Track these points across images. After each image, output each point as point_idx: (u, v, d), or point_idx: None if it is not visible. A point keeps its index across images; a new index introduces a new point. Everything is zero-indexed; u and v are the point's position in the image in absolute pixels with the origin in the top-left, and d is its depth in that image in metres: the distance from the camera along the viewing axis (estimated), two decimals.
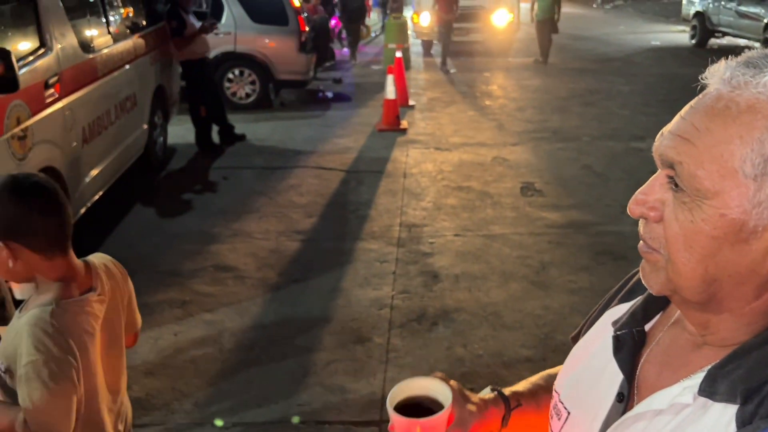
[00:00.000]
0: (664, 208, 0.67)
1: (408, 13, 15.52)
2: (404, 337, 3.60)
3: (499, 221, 5.15)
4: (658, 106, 8.93)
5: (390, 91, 7.85)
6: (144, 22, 6.05)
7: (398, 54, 9.38)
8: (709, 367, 0.66)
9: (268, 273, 4.33)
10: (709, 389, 0.65)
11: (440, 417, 0.88)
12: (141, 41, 5.75)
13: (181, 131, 7.22)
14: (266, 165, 6.50)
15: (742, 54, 0.66)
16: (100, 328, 1.51)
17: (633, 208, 0.69)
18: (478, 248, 4.67)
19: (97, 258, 1.64)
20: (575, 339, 0.95)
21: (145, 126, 5.82)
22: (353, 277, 4.27)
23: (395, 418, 0.90)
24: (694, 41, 14.71)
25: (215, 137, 7.12)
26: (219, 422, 3.03)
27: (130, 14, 5.87)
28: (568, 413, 0.82)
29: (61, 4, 4.35)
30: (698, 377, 0.66)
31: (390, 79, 7.89)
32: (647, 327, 0.79)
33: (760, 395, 0.61)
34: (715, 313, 0.68)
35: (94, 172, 4.67)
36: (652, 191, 0.68)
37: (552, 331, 3.63)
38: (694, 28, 14.81)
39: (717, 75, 0.65)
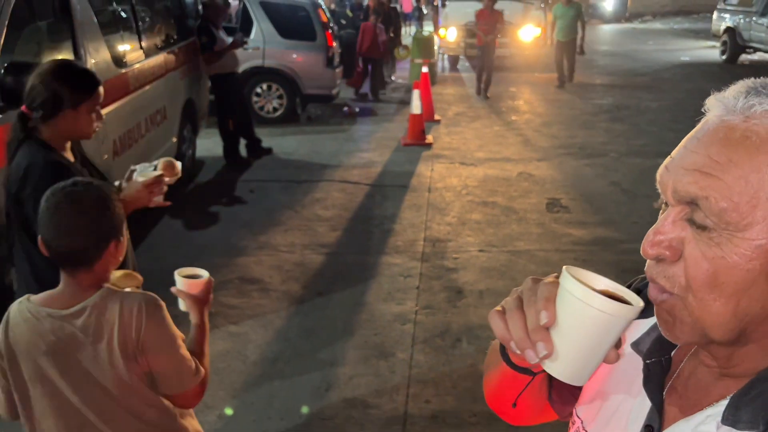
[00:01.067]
0: (683, 247, 0.64)
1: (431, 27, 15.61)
2: (427, 353, 3.58)
3: (524, 237, 5.12)
4: (687, 122, 8.74)
5: (416, 106, 7.88)
6: (175, 38, 6.17)
7: (424, 69, 9.43)
8: (732, 395, 0.65)
9: (293, 286, 4.35)
10: (732, 417, 0.64)
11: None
12: (172, 56, 5.86)
13: (209, 144, 7.33)
14: (292, 178, 6.56)
15: (738, 83, 0.65)
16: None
17: (648, 249, 0.66)
18: (503, 264, 4.64)
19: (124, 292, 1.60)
20: None
21: (175, 139, 5.92)
22: (377, 291, 4.27)
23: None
24: (724, 57, 14.53)
25: (243, 150, 7.20)
26: (229, 411, 3.12)
27: (162, 29, 5.99)
28: None
29: (95, 20, 4.46)
30: (721, 405, 0.66)
31: (416, 94, 7.93)
32: (672, 352, 0.78)
33: None
34: (740, 346, 0.66)
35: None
36: (667, 230, 0.65)
37: None
38: (724, 44, 14.63)
39: (720, 105, 0.64)
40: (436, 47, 12.49)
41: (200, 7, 6.97)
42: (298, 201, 5.94)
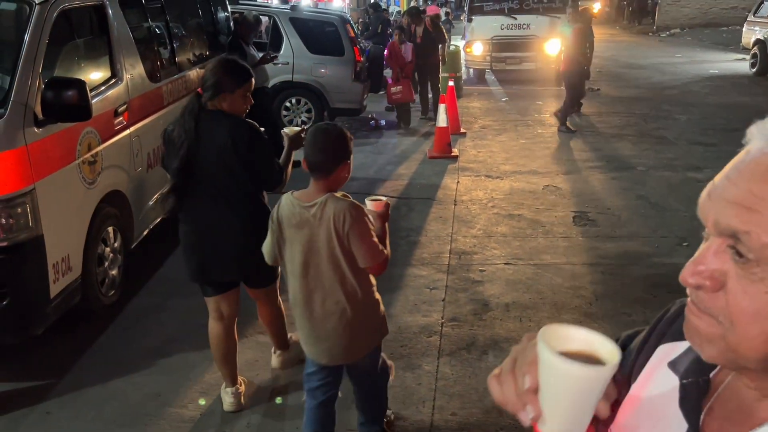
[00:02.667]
0: (725, 279, 0.64)
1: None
2: (453, 365, 3.60)
3: (550, 250, 5.11)
4: (716, 136, 8.73)
5: (442, 119, 7.93)
6: (207, 53, 6.31)
7: (451, 83, 9.48)
8: None
9: None
10: None
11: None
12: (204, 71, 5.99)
13: None
14: None
15: None
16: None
17: (688, 278, 0.66)
18: (529, 277, 4.64)
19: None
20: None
21: None
22: (403, 303, 4.30)
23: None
24: (754, 70, 14.34)
25: None
26: (279, 400, 3.34)
27: (195, 45, 6.13)
28: None
29: (131, 37, 4.60)
30: (763, 430, 0.65)
31: (442, 108, 7.98)
32: (711, 374, 0.76)
33: None
34: None
35: (157, 196, 4.87)
36: (709, 261, 0.65)
37: None
38: (754, 56, 14.44)
39: (762, 136, 0.64)
40: (462, 61, 12.54)
41: (232, 23, 7.12)
42: None
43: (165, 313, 4.22)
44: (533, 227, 5.60)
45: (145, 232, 4.72)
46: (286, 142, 3.20)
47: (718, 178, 0.67)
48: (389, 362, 2.88)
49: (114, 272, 4.22)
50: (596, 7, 32.54)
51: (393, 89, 9.46)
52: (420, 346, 3.79)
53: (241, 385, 3.30)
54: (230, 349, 3.21)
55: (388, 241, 2.52)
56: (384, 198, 2.57)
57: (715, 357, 0.67)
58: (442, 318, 4.10)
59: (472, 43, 13.54)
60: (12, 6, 3.74)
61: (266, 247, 2.58)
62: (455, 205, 6.22)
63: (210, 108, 2.94)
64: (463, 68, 13.25)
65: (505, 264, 4.89)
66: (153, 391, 3.41)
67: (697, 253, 0.67)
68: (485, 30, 13.28)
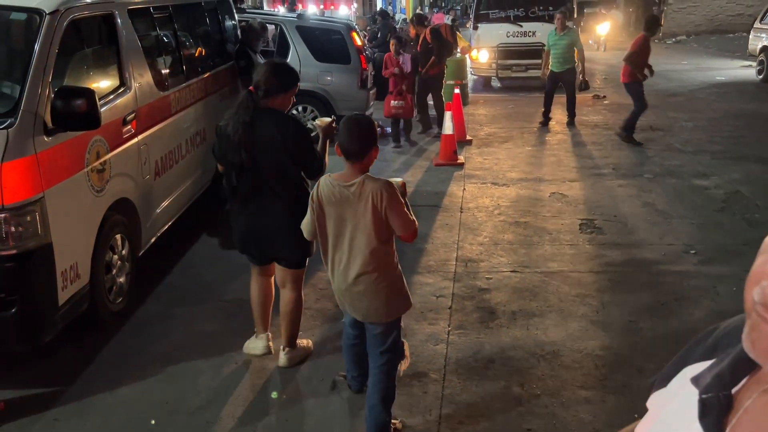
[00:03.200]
0: None
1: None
2: (460, 373, 3.60)
3: (557, 258, 5.11)
4: (723, 143, 8.71)
5: (448, 127, 7.94)
6: (215, 61, 6.35)
7: (456, 90, 9.50)
8: None
9: (326, 304, 4.41)
10: None
11: None
12: (211, 79, 6.03)
13: None
14: None
15: None
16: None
17: (758, 298, 0.69)
18: (535, 285, 4.64)
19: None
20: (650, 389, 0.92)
21: (213, 160, 6.06)
22: (410, 310, 4.29)
23: None
24: (761, 77, 14.31)
25: None
26: (274, 394, 3.42)
27: (202, 54, 6.18)
28: None
29: (140, 45, 4.64)
30: None
31: (448, 115, 8.00)
32: (734, 390, 0.76)
33: None
34: None
35: (165, 204, 4.90)
36: None
37: (612, 372, 3.56)
38: (761, 63, 14.42)
39: None
40: (468, 68, 12.56)
41: (239, 32, 7.16)
42: None
43: (172, 320, 4.24)
44: (540, 235, 5.60)
45: (152, 240, 4.74)
46: (320, 133, 3.58)
47: None
48: (407, 352, 3.16)
49: (122, 280, 4.24)
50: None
51: (393, 102, 8.83)
52: (426, 355, 3.79)
53: (271, 335, 3.78)
54: (265, 303, 3.74)
55: (412, 215, 2.94)
56: (401, 179, 3.01)
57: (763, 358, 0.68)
58: (449, 326, 4.10)
59: (477, 51, 13.57)
60: (22, 16, 3.78)
61: (306, 224, 3.01)
62: (461, 212, 6.23)
63: (262, 105, 3.35)
64: (469, 75, 13.28)
65: (511, 271, 4.88)
66: (160, 398, 3.43)
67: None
68: (491, 37, 13.31)
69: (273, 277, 3.73)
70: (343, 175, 2.86)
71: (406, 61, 8.82)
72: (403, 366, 3.12)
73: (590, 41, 21.17)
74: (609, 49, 20.86)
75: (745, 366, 0.75)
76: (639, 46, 8.56)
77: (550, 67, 10.00)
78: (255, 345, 3.79)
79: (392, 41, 9.01)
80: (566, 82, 10.02)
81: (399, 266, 2.98)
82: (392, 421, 3.03)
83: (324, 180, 2.90)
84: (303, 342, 3.78)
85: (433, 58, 9.31)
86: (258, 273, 3.71)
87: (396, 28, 13.71)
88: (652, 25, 8.86)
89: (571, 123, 10.12)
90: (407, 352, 3.15)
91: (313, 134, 4.03)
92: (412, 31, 10.36)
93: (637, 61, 8.53)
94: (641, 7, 30.29)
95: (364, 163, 2.85)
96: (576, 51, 9.95)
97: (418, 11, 14.64)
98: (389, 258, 2.90)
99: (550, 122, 10.15)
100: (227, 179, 3.47)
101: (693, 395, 0.77)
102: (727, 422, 0.73)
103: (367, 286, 2.85)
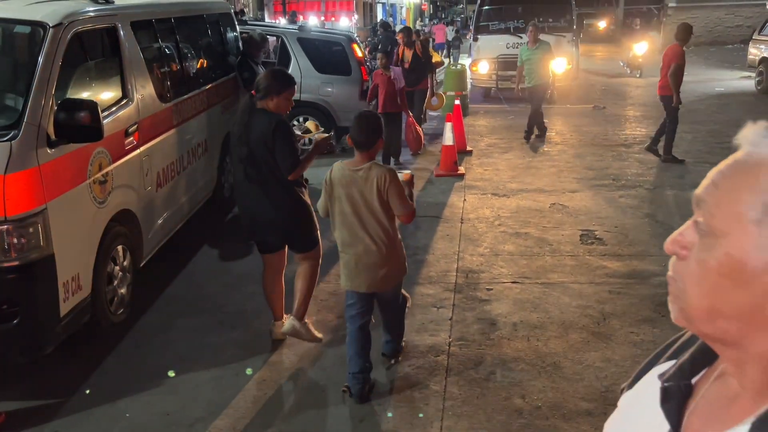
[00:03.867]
0: (692, 249, 0.74)
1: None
2: (461, 385, 3.59)
3: (558, 269, 5.11)
4: (722, 153, 8.54)
5: (448, 138, 7.97)
6: (217, 73, 6.39)
7: (457, 101, 9.53)
8: (754, 419, 0.69)
9: (327, 315, 4.41)
10: None
11: None
12: (213, 91, 6.07)
13: None
14: None
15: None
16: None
17: (669, 245, 0.77)
18: (536, 296, 4.64)
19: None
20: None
21: (215, 171, 6.09)
22: (410, 322, 4.29)
23: None
24: (760, 88, 14.36)
25: None
26: (249, 371, 3.64)
27: (204, 65, 6.21)
28: None
29: (142, 58, 4.67)
30: (742, 429, 0.69)
31: (448, 126, 8.02)
32: (694, 380, 0.82)
33: None
34: (741, 352, 0.72)
35: (167, 215, 4.91)
36: (685, 234, 0.76)
37: (613, 384, 3.56)
38: (760, 74, 14.47)
39: (745, 137, 0.74)
40: (468, 79, 12.62)
41: (240, 43, 7.20)
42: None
43: (173, 332, 4.24)
44: (540, 246, 5.61)
45: (154, 251, 4.75)
46: (315, 140, 4.14)
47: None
48: (407, 296, 3.84)
49: (123, 291, 4.24)
50: (602, 25, 32.75)
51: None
52: (427, 366, 3.78)
53: (284, 320, 4.01)
54: (276, 291, 4.04)
55: (414, 202, 3.44)
56: (409, 172, 3.51)
57: (677, 317, 0.77)
58: (450, 337, 4.10)
59: (477, 62, 13.63)
60: (26, 29, 3.81)
61: (320, 204, 3.49)
62: (462, 223, 6.24)
63: (259, 107, 3.74)
64: (469, 86, 13.34)
65: (512, 283, 4.89)
66: (161, 410, 3.42)
67: (683, 226, 0.77)
68: (491, 49, 13.37)
69: (282, 271, 4.05)
70: (353, 162, 3.37)
71: (398, 76, 8.09)
72: (408, 304, 3.89)
73: (621, 62, 18.72)
74: (646, 75, 16.59)
75: (704, 358, 0.81)
76: (680, 57, 7.94)
77: (526, 83, 9.73)
78: (271, 330, 4.07)
79: (380, 55, 8.35)
80: (535, 97, 9.72)
81: (401, 242, 3.51)
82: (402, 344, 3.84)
83: (336, 165, 3.41)
84: (315, 331, 3.99)
85: (430, 73, 9.46)
86: (267, 263, 4.01)
87: (397, 40, 13.75)
88: (685, 34, 8.16)
89: (541, 136, 9.85)
90: (407, 296, 3.85)
91: (303, 138, 4.66)
92: (402, 40, 9.81)
93: (680, 75, 7.98)
94: (641, 20, 30.43)
95: (371, 152, 3.37)
96: (549, 65, 9.82)
97: (407, 25, 14.22)
98: (393, 233, 3.39)
99: (546, 133, 10.03)
100: (233, 171, 3.93)
101: (656, 386, 0.83)
102: (686, 408, 0.79)
103: (376, 258, 3.34)
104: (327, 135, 3.97)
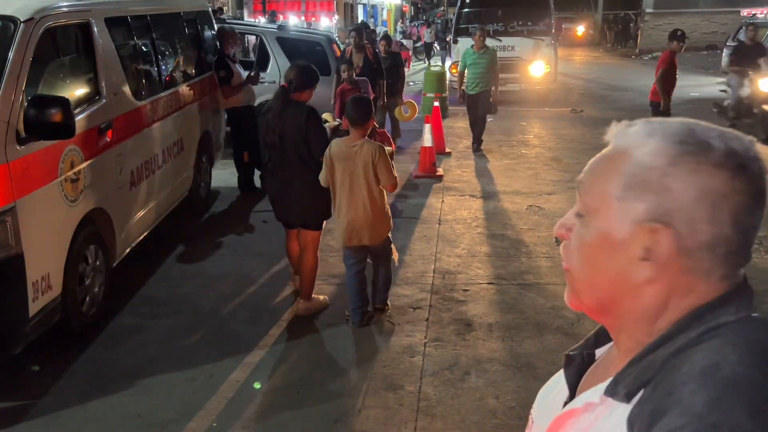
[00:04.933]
0: (573, 230, 0.84)
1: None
2: (436, 386, 3.59)
3: (533, 270, 5.14)
4: None
5: (427, 139, 7.98)
6: (193, 71, 6.33)
7: (436, 103, 9.55)
8: (616, 373, 0.79)
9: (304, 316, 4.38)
10: (611, 390, 0.77)
11: None
12: (190, 90, 6.01)
13: (224, 175, 7.44)
14: None
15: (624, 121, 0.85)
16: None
17: (556, 229, 0.87)
18: (512, 297, 4.66)
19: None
20: None
21: (191, 170, 6.03)
22: (386, 323, 4.29)
23: None
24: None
25: (257, 182, 7.30)
26: (257, 385, 3.57)
27: (180, 64, 6.15)
28: (533, 422, 0.97)
29: (117, 55, 4.61)
30: (608, 382, 0.79)
31: (427, 128, 8.03)
32: (598, 352, 0.92)
33: (636, 397, 0.74)
34: (618, 320, 0.82)
35: (141, 214, 4.85)
36: (569, 217, 0.86)
37: None
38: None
39: (611, 133, 0.85)
40: (447, 82, 12.66)
41: (218, 42, 7.15)
42: None
43: (146, 332, 4.18)
44: (517, 247, 5.64)
45: (127, 251, 4.69)
46: (328, 130, 4.64)
47: None
48: (396, 253, 4.45)
49: (95, 290, 4.18)
50: (580, 30, 33.07)
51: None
52: (402, 366, 3.78)
53: (300, 303, 4.43)
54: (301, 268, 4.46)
55: (394, 171, 4.05)
56: (392, 147, 4.19)
57: (569, 298, 0.87)
58: (425, 338, 4.10)
59: (457, 64, 13.68)
60: None
61: (322, 175, 4.06)
62: (439, 224, 6.25)
63: (290, 98, 4.20)
64: (448, 89, 13.38)
65: (488, 284, 4.91)
66: (133, 412, 3.37)
67: (567, 213, 0.87)
68: None
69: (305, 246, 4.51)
70: (348, 139, 4.00)
71: (367, 88, 7.61)
72: (395, 257, 4.42)
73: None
74: (582, 63, 18.23)
75: (607, 334, 0.89)
76: (667, 62, 8.08)
77: (466, 89, 9.14)
78: (299, 307, 4.45)
79: (344, 67, 7.51)
80: (480, 105, 9.09)
81: (387, 204, 4.18)
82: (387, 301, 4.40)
83: (334, 142, 4.03)
84: (320, 297, 4.49)
85: (381, 82, 8.43)
86: (290, 238, 4.59)
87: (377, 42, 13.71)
88: (672, 39, 8.28)
89: (477, 149, 9.19)
90: (394, 249, 4.38)
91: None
92: (384, 49, 9.11)
93: (668, 80, 8.09)
94: (620, 24, 30.81)
95: (363, 129, 3.97)
96: (494, 72, 9.14)
97: (358, 24, 12.40)
98: (381, 199, 4.07)
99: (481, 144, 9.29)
100: (262, 157, 4.39)
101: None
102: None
103: (367, 219, 4.01)
104: (337, 123, 4.84)
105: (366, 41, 8.86)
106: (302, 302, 4.39)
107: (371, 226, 4.03)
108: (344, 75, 7.43)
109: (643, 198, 0.76)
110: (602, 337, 0.92)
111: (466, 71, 9.20)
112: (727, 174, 0.74)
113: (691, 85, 16.94)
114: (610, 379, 0.79)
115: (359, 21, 24.15)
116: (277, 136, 4.13)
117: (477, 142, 9.34)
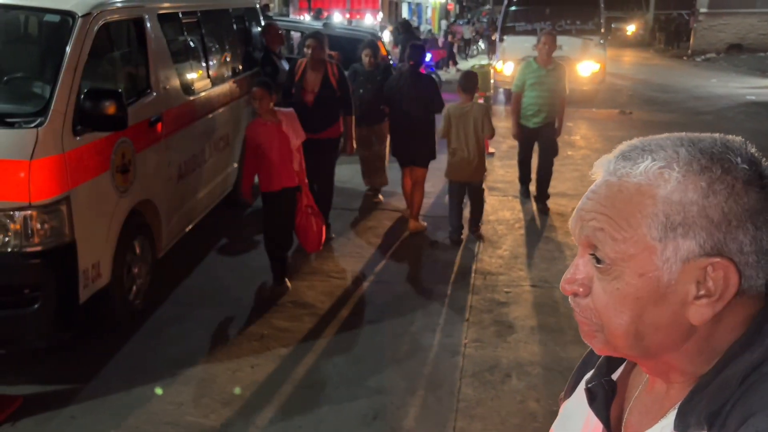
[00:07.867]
0: (591, 284, 0.78)
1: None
2: (476, 386, 3.56)
3: None
4: None
5: None
6: (240, 67, 6.41)
7: (480, 101, 9.46)
8: (679, 404, 0.74)
9: (343, 312, 4.40)
10: (682, 424, 0.73)
11: None
12: (236, 85, 6.09)
13: None
14: (345, 206, 6.66)
15: (617, 148, 0.81)
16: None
17: (566, 287, 0.81)
18: (555, 301, 4.58)
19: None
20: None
21: (235, 165, 6.11)
22: (426, 322, 4.28)
23: None
24: None
25: None
26: (237, 390, 3.23)
27: (228, 59, 6.24)
28: None
29: (168, 50, 4.70)
30: (672, 415, 0.75)
31: None
32: (615, 377, 0.88)
33: (721, 417, 0.69)
34: (667, 362, 0.77)
35: (186, 206, 4.94)
36: (578, 271, 0.80)
37: None
38: None
39: (602, 168, 0.81)
40: (492, 81, 12.54)
41: (263, 39, 7.22)
42: (351, 228, 6.03)
43: (189, 323, 4.26)
44: (561, 250, 5.54)
45: (173, 242, 4.78)
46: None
47: (581, 201, 0.81)
48: (485, 190, 5.91)
49: (141, 280, 4.28)
50: (630, 29, 32.36)
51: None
52: (442, 366, 3.76)
53: (412, 222, 5.96)
54: (412, 193, 5.91)
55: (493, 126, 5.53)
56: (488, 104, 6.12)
57: (602, 349, 0.81)
58: (466, 338, 4.07)
59: (503, 63, 13.54)
60: (56, 18, 3.85)
61: (440, 129, 5.59)
62: (482, 225, 6.18)
63: (414, 70, 5.80)
64: (493, 88, 13.25)
65: (531, 286, 4.84)
66: (175, 400, 3.44)
67: (571, 265, 0.81)
68: (516, 50, 13.26)
69: (419, 181, 5.89)
70: (460, 102, 5.51)
71: (292, 123, 5.31)
72: (486, 195, 6.07)
73: None
74: (630, 64, 17.28)
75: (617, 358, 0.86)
76: None
77: (522, 120, 6.65)
78: (411, 225, 5.94)
79: (256, 90, 4.52)
80: (542, 142, 6.68)
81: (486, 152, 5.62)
82: None
83: (450, 105, 5.55)
84: (423, 222, 5.95)
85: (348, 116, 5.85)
86: (405, 175, 5.95)
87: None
88: None
89: (543, 209, 6.61)
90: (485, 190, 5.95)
91: None
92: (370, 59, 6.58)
93: None
94: (674, 24, 30.02)
95: (470, 95, 5.53)
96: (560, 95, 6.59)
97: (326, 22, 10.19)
98: (482, 146, 5.53)
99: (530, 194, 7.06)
100: (390, 116, 5.95)
101: (583, 395, 0.89)
102: (621, 405, 0.86)
103: (472, 160, 5.49)
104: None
105: (332, 54, 6.81)
106: (412, 221, 5.87)
107: (475, 166, 5.49)
108: (256, 103, 4.53)
109: (689, 235, 0.72)
110: (614, 362, 0.89)
111: (525, 92, 6.51)
112: (757, 187, 0.73)
113: (746, 87, 16.40)
114: (673, 413, 0.75)
115: (400, 19, 23.98)
116: (407, 98, 5.55)
117: (542, 200, 6.60)
